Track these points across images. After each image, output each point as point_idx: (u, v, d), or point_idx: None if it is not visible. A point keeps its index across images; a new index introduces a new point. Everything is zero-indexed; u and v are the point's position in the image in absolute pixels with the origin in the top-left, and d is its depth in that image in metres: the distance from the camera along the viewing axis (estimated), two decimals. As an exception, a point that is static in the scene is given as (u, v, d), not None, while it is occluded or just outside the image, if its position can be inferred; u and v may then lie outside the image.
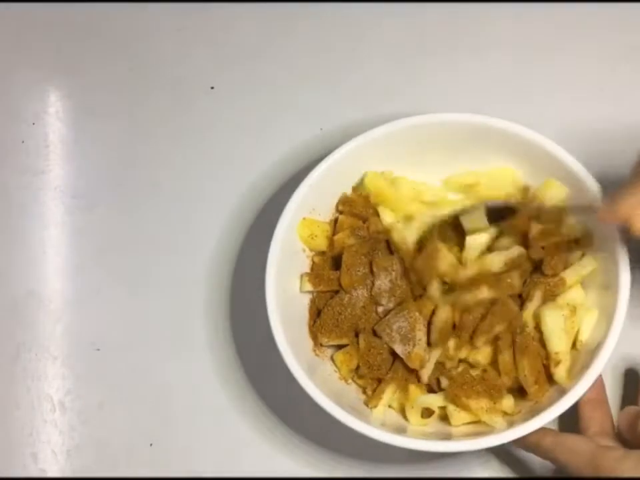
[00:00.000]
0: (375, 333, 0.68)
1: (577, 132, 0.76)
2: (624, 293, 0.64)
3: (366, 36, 0.84)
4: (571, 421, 0.67)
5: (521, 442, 0.64)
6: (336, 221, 0.72)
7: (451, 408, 0.66)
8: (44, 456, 0.74)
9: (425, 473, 0.70)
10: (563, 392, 0.63)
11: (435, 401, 0.67)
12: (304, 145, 0.81)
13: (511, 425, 0.63)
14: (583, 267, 0.68)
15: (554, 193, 0.69)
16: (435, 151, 0.72)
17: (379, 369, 0.68)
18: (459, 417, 0.66)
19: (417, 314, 0.67)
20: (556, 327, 0.66)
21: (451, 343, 0.67)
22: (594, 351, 0.64)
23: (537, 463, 0.69)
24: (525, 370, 0.66)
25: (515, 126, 0.69)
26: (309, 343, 0.69)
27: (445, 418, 0.67)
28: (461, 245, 0.69)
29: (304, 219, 0.70)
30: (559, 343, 0.66)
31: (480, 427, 0.66)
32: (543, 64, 0.81)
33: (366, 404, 0.68)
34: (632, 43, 0.81)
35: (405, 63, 0.83)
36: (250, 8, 0.85)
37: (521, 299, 0.68)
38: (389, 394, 0.68)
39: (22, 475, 0.74)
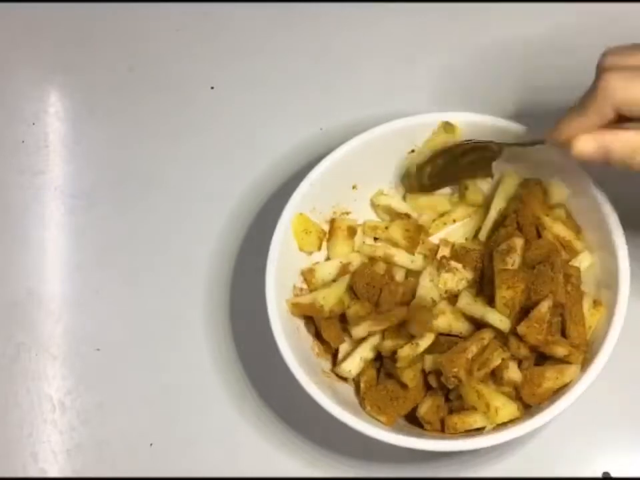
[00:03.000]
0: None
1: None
2: (624, 287, 0.63)
3: (366, 35, 0.84)
4: (572, 422, 0.67)
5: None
6: (333, 221, 0.72)
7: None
8: (44, 456, 0.74)
9: (425, 473, 0.70)
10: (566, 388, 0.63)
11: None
12: (304, 144, 0.81)
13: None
14: (579, 262, 0.68)
15: (554, 192, 0.69)
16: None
17: None
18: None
19: None
20: None
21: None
22: (595, 345, 0.64)
23: (537, 464, 0.69)
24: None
25: (515, 126, 0.69)
26: (309, 342, 0.69)
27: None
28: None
29: (300, 214, 0.70)
30: None
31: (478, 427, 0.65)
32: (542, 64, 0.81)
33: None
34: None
35: (405, 62, 0.83)
36: (250, 8, 0.86)
37: None
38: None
39: (22, 474, 0.74)
